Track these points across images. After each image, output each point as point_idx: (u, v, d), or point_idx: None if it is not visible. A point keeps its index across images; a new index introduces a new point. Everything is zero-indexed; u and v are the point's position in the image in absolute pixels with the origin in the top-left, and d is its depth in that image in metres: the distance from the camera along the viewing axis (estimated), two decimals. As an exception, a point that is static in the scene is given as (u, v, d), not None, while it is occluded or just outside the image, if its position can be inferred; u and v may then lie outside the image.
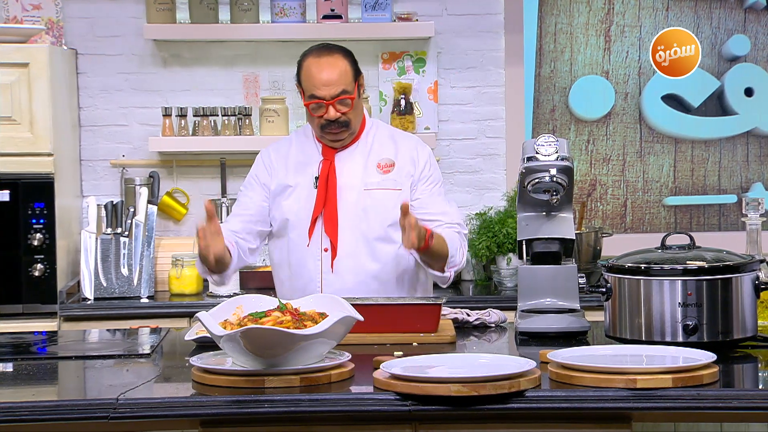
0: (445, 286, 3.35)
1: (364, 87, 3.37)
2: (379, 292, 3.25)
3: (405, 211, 2.99)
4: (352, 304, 2.53)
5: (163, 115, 4.47)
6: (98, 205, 4.25)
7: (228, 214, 4.39)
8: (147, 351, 2.80)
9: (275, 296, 2.62)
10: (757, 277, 2.66)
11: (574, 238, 3.03)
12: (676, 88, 4.72)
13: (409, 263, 3.32)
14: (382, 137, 3.40)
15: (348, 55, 3.31)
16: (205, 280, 4.26)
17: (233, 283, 4.19)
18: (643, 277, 2.64)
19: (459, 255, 3.26)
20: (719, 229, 4.77)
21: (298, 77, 3.32)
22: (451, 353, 2.70)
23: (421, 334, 2.85)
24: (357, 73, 3.30)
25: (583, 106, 4.74)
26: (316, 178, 3.31)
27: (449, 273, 3.24)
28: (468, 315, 3.08)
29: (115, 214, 4.21)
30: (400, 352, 2.62)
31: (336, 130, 3.27)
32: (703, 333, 2.60)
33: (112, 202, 4.25)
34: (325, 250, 3.28)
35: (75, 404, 2.29)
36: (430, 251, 3.12)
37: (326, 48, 3.31)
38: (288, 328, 2.35)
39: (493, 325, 3.08)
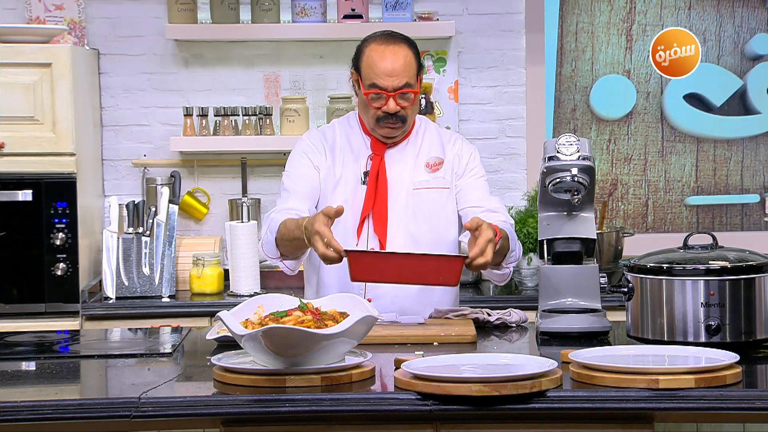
0: (503, 284, 3.22)
1: (421, 82, 3.18)
2: (425, 296, 3.12)
3: (474, 227, 2.80)
4: (374, 252, 2.51)
5: (185, 115, 4.48)
6: (120, 204, 4.27)
7: (248, 214, 4.42)
8: (168, 350, 2.81)
9: (297, 296, 2.61)
10: (781, 277, 2.65)
11: (596, 237, 3.01)
12: (698, 87, 4.70)
13: None
14: (430, 136, 3.26)
15: (413, 46, 3.14)
16: (226, 280, 4.28)
17: (253, 282, 4.20)
18: (665, 277, 2.62)
19: (517, 249, 3.12)
20: (742, 229, 4.75)
21: (355, 63, 3.15)
22: (472, 353, 2.69)
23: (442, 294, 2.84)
24: (419, 68, 3.14)
25: (604, 105, 4.72)
26: (365, 174, 3.16)
27: (509, 269, 3.12)
28: (489, 315, 3.07)
29: (137, 214, 4.22)
30: (421, 352, 2.62)
31: (392, 124, 3.11)
32: (726, 333, 2.58)
33: (134, 201, 4.26)
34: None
35: (97, 403, 2.30)
36: (496, 252, 2.89)
37: (392, 36, 3.13)
38: (309, 327, 2.36)
39: (514, 324, 3.07)
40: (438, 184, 3.21)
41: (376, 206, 3.14)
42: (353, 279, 2.85)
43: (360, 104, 3.20)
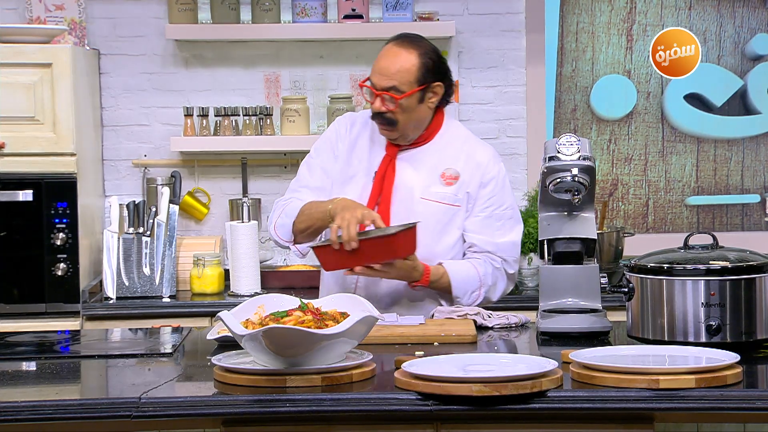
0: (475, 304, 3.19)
1: (438, 95, 3.11)
2: (414, 304, 3.15)
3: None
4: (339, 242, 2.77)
5: (185, 115, 4.48)
6: (120, 204, 4.27)
7: (249, 214, 4.42)
8: (169, 350, 2.81)
9: (297, 296, 2.61)
10: (781, 277, 2.65)
11: (596, 237, 3.01)
12: (698, 87, 4.70)
13: None
14: (455, 144, 3.18)
15: (424, 55, 3.07)
16: (226, 280, 4.27)
17: (254, 282, 4.20)
18: (665, 277, 2.62)
19: (470, 298, 3.13)
20: (742, 229, 4.75)
21: None
22: (472, 353, 2.69)
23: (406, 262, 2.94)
24: (428, 77, 3.05)
25: (604, 105, 4.72)
26: (376, 173, 3.15)
27: (463, 303, 3.13)
28: (488, 317, 3.06)
29: (137, 214, 4.22)
30: (421, 352, 2.62)
31: (380, 123, 3.09)
32: (726, 333, 2.58)
33: (134, 201, 4.26)
34: None
35: (98, 403, 2.30)
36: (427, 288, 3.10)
37: (407, 39, 3.10)
38: (309, 327, 2.36)
39: (514, 324, 3.06)
40: (448, 200, 3.15)
41: (380, 208, 3.12)
42: (326, 270, 3.08)
43: None
